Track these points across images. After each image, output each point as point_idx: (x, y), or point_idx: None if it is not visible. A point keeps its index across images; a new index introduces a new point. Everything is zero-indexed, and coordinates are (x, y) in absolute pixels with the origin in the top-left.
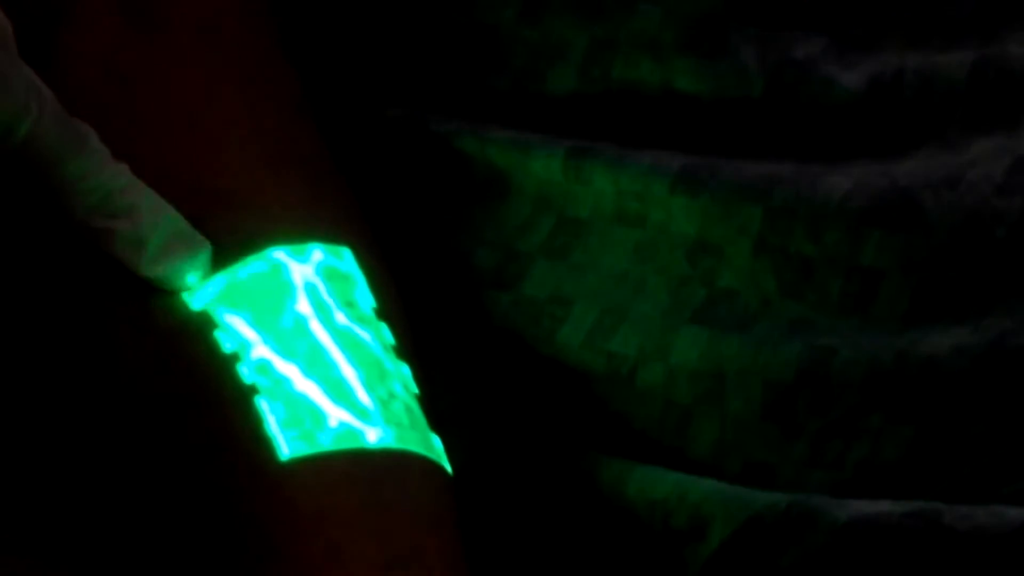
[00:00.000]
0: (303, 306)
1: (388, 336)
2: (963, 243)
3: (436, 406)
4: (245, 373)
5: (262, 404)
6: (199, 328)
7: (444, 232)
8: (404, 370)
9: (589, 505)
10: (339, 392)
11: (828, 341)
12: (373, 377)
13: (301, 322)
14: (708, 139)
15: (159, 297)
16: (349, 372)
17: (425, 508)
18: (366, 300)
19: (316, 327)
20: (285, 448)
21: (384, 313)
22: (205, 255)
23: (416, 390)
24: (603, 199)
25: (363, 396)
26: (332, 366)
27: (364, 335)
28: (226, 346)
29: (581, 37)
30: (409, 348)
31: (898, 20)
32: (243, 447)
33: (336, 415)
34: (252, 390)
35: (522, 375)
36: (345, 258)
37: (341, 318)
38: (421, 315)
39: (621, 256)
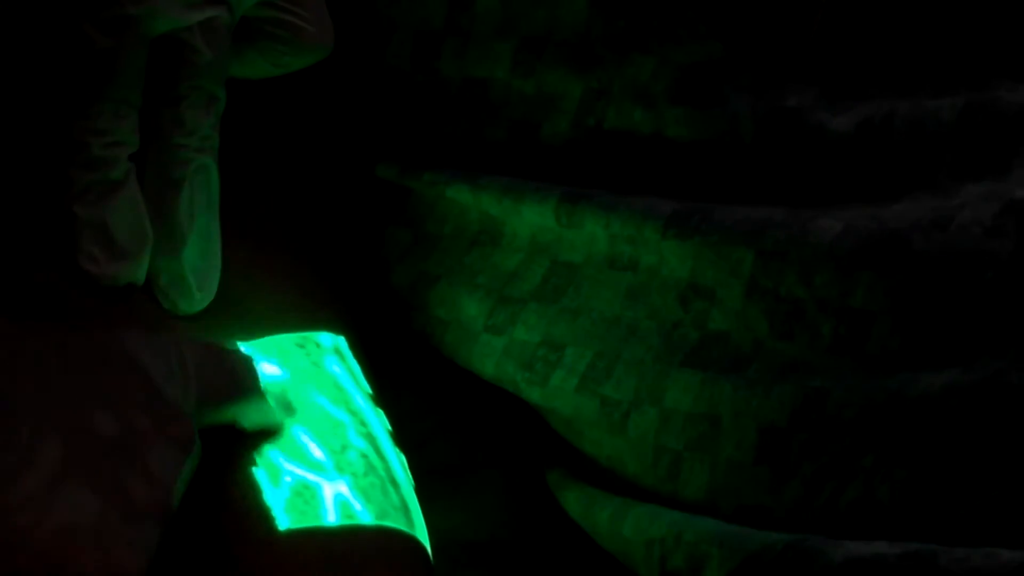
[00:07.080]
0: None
1: (386, 423)
2: (953, 284)
3: (430, 457)
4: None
5: (260, 475)
6: None
7: (436, 280)
8: (399, 458)
9: (586, 543)
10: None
11: (820, 383)
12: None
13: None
14: (700, 184)
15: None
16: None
17: None
18: (363, 386)
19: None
20: (283, 519)
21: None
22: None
23: (411, 479)
24: (596, 243)
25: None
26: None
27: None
28: None
29: (575, 88)
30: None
31: (888, 70)
32: (241, 511)
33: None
34: (251, 460)
35: (517, 418)
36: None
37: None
38: (417, 363)
39: (613, 300)
